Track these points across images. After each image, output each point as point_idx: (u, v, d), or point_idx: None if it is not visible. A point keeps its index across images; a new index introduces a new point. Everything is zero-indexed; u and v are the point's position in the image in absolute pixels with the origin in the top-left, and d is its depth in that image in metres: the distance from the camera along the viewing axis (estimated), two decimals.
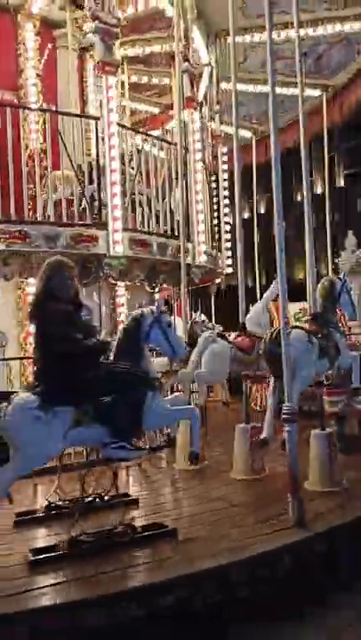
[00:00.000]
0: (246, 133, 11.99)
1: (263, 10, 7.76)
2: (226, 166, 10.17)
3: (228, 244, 9.82)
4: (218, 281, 9.89)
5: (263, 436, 5.56)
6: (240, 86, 10.26)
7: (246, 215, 12.87)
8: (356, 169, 24.50)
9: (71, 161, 6.48)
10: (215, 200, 10.01)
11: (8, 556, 4.13)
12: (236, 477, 5.95)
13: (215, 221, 9.55)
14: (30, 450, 3.90)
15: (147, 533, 4.31)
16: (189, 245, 7.39)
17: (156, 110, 11.49)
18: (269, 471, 6.00)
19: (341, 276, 6.14)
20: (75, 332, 4.04)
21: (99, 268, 6.32)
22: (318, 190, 19.80)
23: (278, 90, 10.67)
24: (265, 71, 10.23)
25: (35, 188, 6.63)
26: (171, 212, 7.61)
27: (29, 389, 4.03)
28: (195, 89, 7.77)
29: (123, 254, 6.39)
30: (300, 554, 4.17)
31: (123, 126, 6.90)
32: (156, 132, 9.80)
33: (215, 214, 9.62)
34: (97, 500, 4.89)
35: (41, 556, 3.98)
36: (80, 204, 6.52)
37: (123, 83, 9.49)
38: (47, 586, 3.63)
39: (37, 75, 7.90)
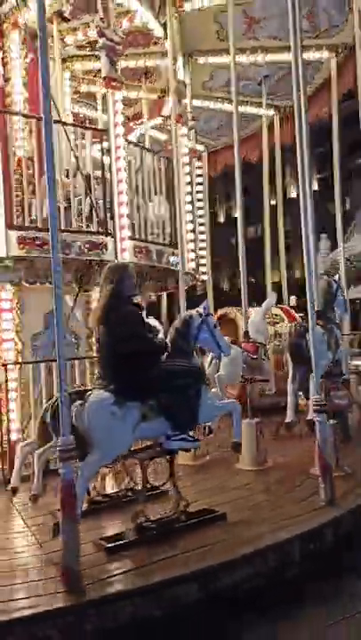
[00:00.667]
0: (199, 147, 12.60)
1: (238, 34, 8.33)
2: (200, 178, 10.68)
3: (203, 252, 10.29)
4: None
5: (288, 419, 6.09)
6: (203, 103, 10.90)
7: (221, 219, 13.47)
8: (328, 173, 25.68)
9: (79, 168, 6.68)
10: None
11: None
12: (243, 469, 6.41)
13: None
14: (107, 444, 4.17)
15: (200, 518, 4.67)
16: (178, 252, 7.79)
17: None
18: (272, 462, 6.53)
19: (336, 278, 6.80)
20: (146, 331, 4.36)
21: None
22: (293, 194, 20.78)
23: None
24: (227, 90, 10.87)
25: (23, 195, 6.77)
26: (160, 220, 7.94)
27: (101, 387, 4.28)
28: (181, 105, 8.14)
29: (129, 261, 6.68)
30: (339, 529, 4.69)
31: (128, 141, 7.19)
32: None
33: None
34: (130, 492, 5.23)
35: (114, 544, 4.24)
36: (91, 210, 6.72)
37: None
38: (128, 571, 3.92)
39: (24, 84, 7.99)
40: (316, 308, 6.57)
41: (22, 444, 5.38)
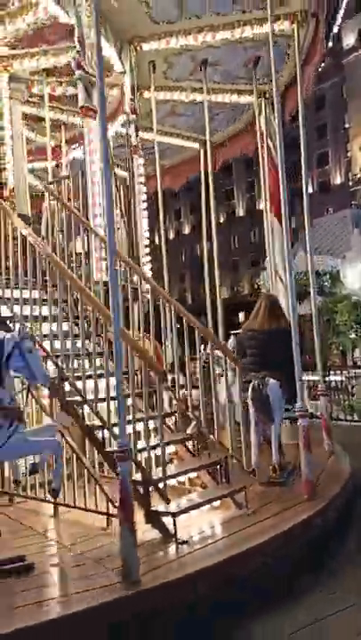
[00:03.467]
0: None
1: (171, 15, 8.28)
2: (145, 187, 9.73)
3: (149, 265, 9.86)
4: None
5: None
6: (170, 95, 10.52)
7: (171, 236, 14.13)
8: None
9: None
10: None
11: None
12: None
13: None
14: (282, 411, 6.34)
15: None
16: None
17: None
18: None
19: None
20: None
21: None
22: (241, 213, 20.68)
23: None
24: (192, 79, 10.18)
25: None
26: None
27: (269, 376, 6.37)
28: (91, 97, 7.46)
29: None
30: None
31: None
32: None
33: None
34: None
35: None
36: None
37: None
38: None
39: None
40: None
41: (253, 428, 6.50)
